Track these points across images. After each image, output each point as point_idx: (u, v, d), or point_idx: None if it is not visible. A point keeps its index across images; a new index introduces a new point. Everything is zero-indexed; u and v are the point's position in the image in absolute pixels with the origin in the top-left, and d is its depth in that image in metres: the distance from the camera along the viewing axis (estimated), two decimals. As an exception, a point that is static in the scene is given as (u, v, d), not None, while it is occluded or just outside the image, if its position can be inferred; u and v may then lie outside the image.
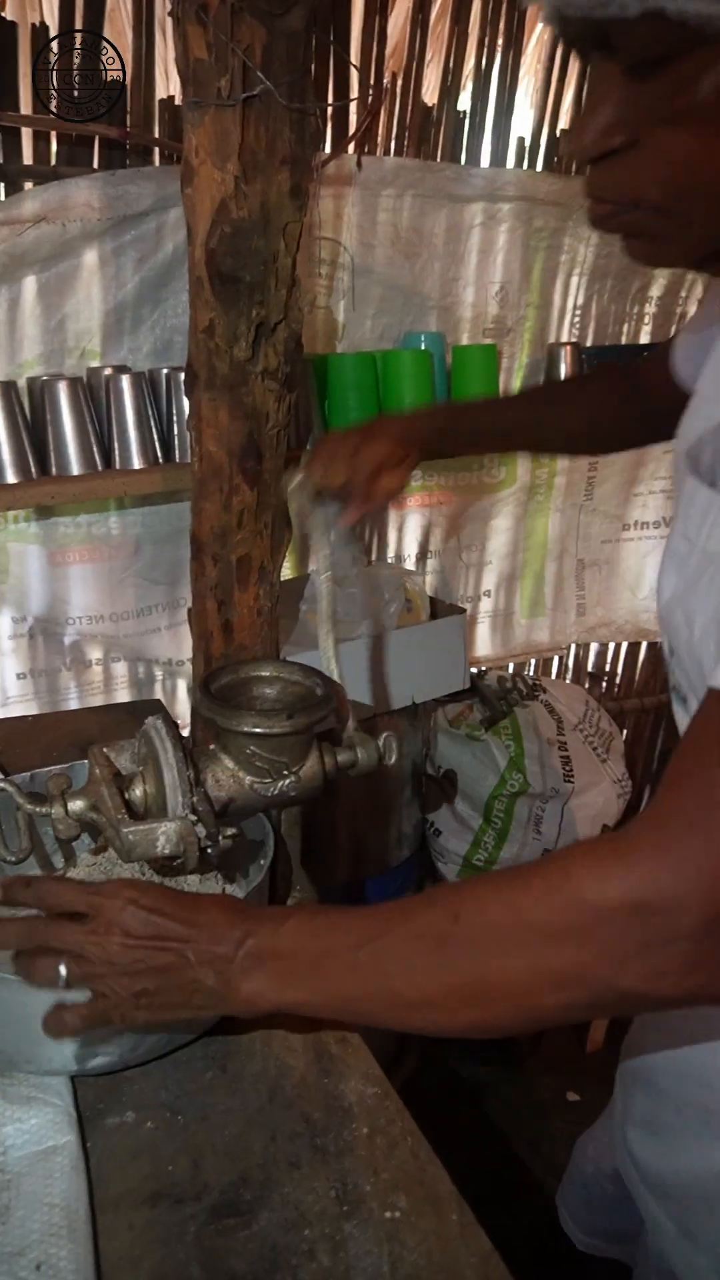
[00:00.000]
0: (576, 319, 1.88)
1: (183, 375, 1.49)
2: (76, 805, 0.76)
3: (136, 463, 1.49)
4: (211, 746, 0.82)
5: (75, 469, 1.46)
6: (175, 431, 1.53)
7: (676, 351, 0.84)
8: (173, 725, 0.77)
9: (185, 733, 0.83)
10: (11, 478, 1.42)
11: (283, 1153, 0.66)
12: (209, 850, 0.72)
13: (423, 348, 1.65)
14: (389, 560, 1.87)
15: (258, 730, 0.76)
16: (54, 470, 1.47)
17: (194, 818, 0.73)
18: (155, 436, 1.51)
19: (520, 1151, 1.70)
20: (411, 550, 1.91)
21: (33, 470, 1.45)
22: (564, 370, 1.78)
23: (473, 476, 1.87)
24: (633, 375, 0.97)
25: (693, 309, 1.96)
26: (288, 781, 0.81)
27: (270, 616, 1.38)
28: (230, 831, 0.73)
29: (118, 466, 1.50)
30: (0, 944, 0.63)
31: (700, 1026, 0.69)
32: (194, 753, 0.80)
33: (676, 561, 0.62)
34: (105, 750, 0.83)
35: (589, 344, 1.89)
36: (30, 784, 0.88)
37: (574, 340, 1.86)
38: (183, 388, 1.51)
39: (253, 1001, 0.60)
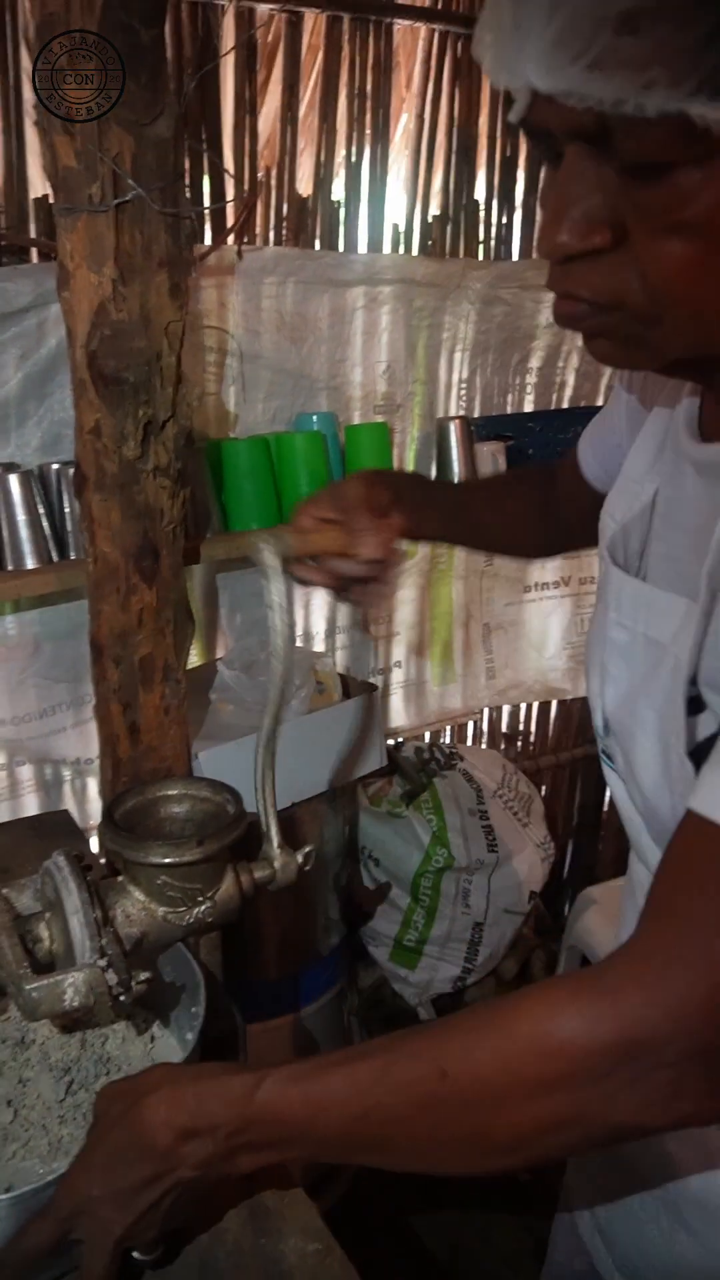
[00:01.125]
0: (463, 392, 1.92)
1: (73, 472, 1.45)
2: (-24, 954, 0.71)
3: (30, 562, 1.44)
4: (120, 878, 0.77)
5: (-37, 574, 1.40)
6: (69, 527, 1.49)
7: (584, 453, 0.84)
8: (76, 861, 0.73)
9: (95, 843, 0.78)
10: None
11: (222, 1333, 0.61)
12: (121, 998, 0.68)
13: (315, 428, 1.66)
14: (297, 640, 1.85)
15: (166, 860, 0.73)
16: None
17: (103, 963, 0.68)
18: (48, 533, 1.46)
19: (472, 1245, 1.64)
20: (320, 627, 1.90)
21: None
22: (454, 443, 1.81)
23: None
24: (548, 483, 0.93)
25: (570, 379, 2.04)
26: (203, 908, 0.77)
27: (178, 714, 1.35)
28: (143, 976, 0.68)
29: (10, 567, 1.45)
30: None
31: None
32: (101, 887, 0.75)
33: (619, 651, 0.63)
34: (4, 892, 0.77)
35: (476, 414, 1.93)
36: None
37: (462, 413, 1.91)
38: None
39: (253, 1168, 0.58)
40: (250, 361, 1.69)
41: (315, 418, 1.69)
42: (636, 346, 0.51)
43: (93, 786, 1.76)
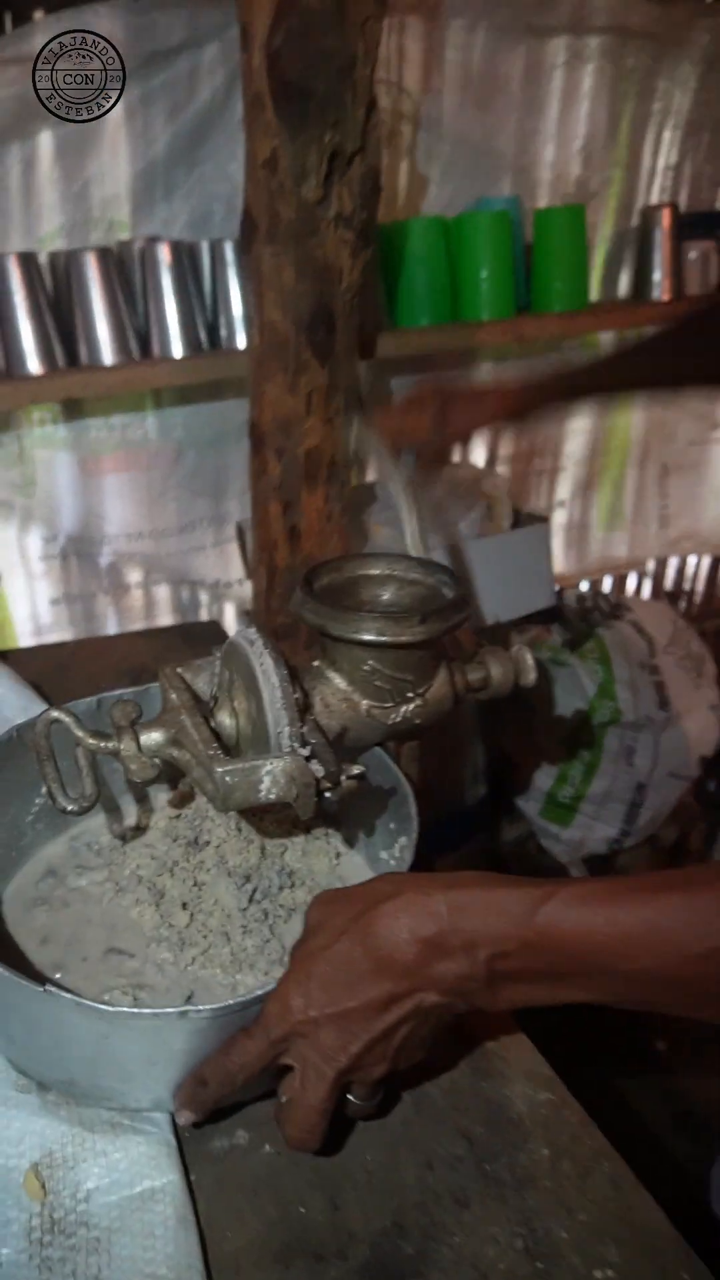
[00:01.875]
0: (669, 181, 1.63)
1: (229, 246, 1.28)
2: (153, 739, 0.59)
3: (177, 350, 1.29)
4: (316, 663, 0.64)
5: (107, 358, 1.26)
6: (221, 315, 1.33)
7: None
8: (271, 637, 0.59)
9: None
10: (35, 368, 1.22)
11: (444, 1185, 0.51)
12: (327, 794, 0.55)
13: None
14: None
15: (383, 639, 0.59)
16: (83, 359, 1.27)
17: (305, 751, 0.55)
18: (199, 319, 1.30)
19: (616, 1115, 1.57)
20: (478, 457, 1.71)
21: (59, 359, 1.25)
22: (659, 240, 1.54)
23: (549, 368, 1.65)
24: None
25: None
26: (411, 706, 0.64)
27: (340, 522, 1.20)
28: (355, 770, 0.56)
29: (156, 355, 1.30)
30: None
31: None
32: (298, 670, 0.63)
33: None
34: (180, 671, 0.65)
35: (683, 209, 1.64)
36: (95, 712, 0.71)
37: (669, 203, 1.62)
38: (229, 259, 1.30)
39: (511, 1005, 0.46)
40: (428, 129, 1.45)
41: (500, 204, 1.45)
42: None
43: (230, 613, 1.66)
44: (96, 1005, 0.47)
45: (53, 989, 0.47)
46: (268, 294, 1.06)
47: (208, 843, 0.68)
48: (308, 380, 1.07)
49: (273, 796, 0.56)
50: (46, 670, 1.06)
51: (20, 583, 1.52)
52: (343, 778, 0.56)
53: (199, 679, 0.67)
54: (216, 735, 0.59)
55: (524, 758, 1.60)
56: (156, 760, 0.58)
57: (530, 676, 0.70)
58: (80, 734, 0.58)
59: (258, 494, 1.16)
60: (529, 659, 0.71)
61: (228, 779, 0.54)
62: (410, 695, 0.63)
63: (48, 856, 0.70)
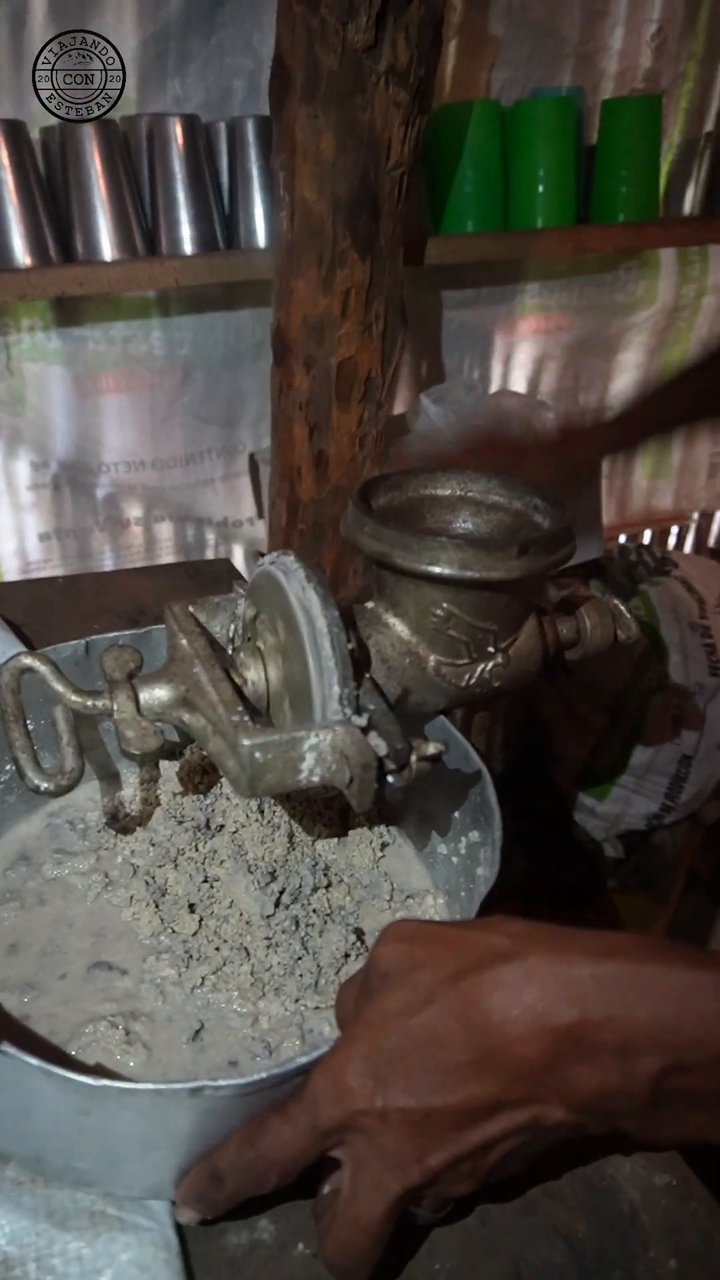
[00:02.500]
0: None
1: (251, 126, 1.11)
2: (157, 697, 0.45)
3: (188, 246, 1.12)
4: (371, 605, 0.49)
5: (107, 253, 1.09)
6: (240, 209, 1.15)
7: None
8: (318, 569, 0.45)
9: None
10: (25, 260, 1.06)
11: (539, 1307, 0.38)
12: (391, 779, 0.41)
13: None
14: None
15: (467, 575, 0.44)
16: (80, 254, 1.10)
17: (362, 720, 0.41)
18: (215, 212, 1.13)
19: None
20: (519, 389, 1.54)
21: (52, 253, 1.08)
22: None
23: (602, 293, 1.48)
24: None
25: None
26: (492, 664, 0.50)
27: (375, 450, 1.04)
28: (432, 749, 0.42)
29: (164, 251, 1.13)
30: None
31: None
32: (349, 613, 0.48)
33: None
34: (193, 610, 0.51)
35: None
36: (83, 660, 0.57)
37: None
38: (251, 142, 1.13)
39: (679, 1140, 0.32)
40: (477, 5, 1.26)
41: (562, 93, 1.27)
42: None
43: (239, 555, 1.51)
44: (72, 1077, 0.33)
45: (9, 1049, 0.33)
46: (302, 167, 0.89)
47: (221, 826, 0.54)
48: (345, 276, 0.90)
49: (316, 780, 0.42)
50: (30, 608, 0.92)
51: (5, 514, 1.37)
52: (413, 757, 0.42)
53: (215, 621, 0.52)
54: (241, 695, 0.44)
55: (559, 724, 1.46)
56: (160, 726, 0.44)
57: (632, 631, 0.56)
58: (60, 688, 0.44)
59: (280, 413, 1.00)
60: (625, 611, 0.57)
61: (257, 755, 0.40)
62: (491, 650, 0.49)
63: (20, 837, 0.56)
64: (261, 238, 1.14)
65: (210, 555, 1.51)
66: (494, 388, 1.51)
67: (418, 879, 0.57)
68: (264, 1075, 0.34)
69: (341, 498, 1.02)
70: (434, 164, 1.20)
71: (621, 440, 1.64)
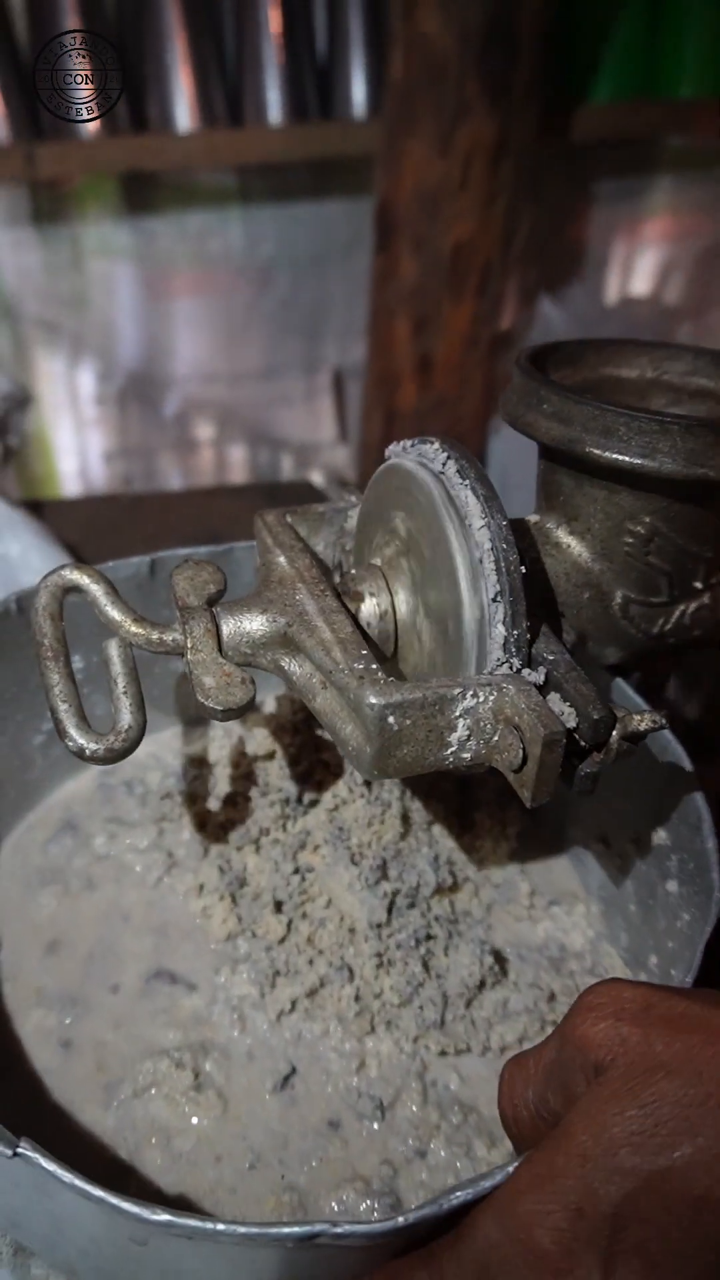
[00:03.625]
0: None
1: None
2: (247, 631, 0.33)
3: (275, 114, 0.97)
4: (536, 518, 0.36)
5: (184, 122, 0.95)
6: (337, 73, 0.99)
7: None
8: (475, 462, 0.32)
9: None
10: (89, 126, 0.92)
11: None
12: (582, 766, 0.29)
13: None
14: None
15: (702, 474, 0.30)
16: (152, 120, 0.96)
17: (537, 676, 0.28)
18: (307, 76, 0.97)
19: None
20: (657, 300, 1.36)
21: (121, 118, 0.94)
22: None
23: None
24: None
25: None
26: (697, 605, 0.36)
27: (486, 356, 0.90)
28: (646, 721, 0.29)
29: (248, 120, 0.98)
30: None
31: None
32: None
33: None
34: (291, 520, 0.38)
35: None
36: (147, 583, 0.45)
37: None
38: (352, -11, 0.96)
39: None
40: None
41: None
42: None
43: (317, 482, 1.38)
44: (125, 1205, 0.21)
45: (27, 1151, 0.22)
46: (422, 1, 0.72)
47: (316, 802, 0.42)
48: (470, 131, 0.75)
49: (467, 758, 0.29)
50: (92, 528, 0.81)
51: (68, 430, 1.25)
52: (614, 733, 0.29)
53: (318, 538, 0.40)
54: (365, 635, 0.32)
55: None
56: (250, 677, 0.32)
57: None
58: (116, 615, 0.32)
59: (380, 306, 0.86)
60: None
61: (391, 720, 0.28)
62: (699, 585, 0.36)
63: (65, 801, 0.45)
64: (361, 107, 0.98)
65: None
66: (612, 298, 1.34)
67: (562, 876, 0.44)
68: (408, 1220, 0.22)
69: (449, 410, 0.88)
70: (575, 24, 1.02)
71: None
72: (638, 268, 1.33)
